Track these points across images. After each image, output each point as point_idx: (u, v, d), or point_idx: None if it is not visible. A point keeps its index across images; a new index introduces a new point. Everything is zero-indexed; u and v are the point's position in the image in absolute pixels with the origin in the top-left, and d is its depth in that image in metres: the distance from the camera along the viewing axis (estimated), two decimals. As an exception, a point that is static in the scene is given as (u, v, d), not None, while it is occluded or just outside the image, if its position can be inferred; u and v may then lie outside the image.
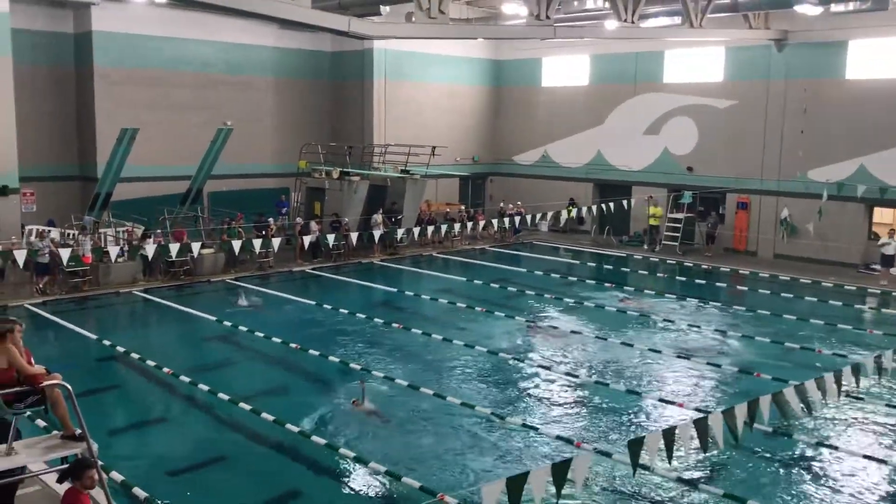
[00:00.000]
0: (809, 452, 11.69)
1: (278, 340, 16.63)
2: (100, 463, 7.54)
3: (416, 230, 25.37)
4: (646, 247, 29.07)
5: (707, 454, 10.73)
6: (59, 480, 7.65)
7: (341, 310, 19.51)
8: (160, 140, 26.51)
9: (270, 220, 25.81)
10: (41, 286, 20.33)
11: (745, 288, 23.40)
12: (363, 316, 19.01)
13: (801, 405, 10.01)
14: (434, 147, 28.16)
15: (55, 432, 8.08)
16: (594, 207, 26.74)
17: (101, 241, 22.24)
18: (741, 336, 17.64)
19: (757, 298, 21.78)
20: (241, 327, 17.77)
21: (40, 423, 10.54)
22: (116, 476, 9.99)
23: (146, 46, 27.21)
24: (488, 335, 17.71)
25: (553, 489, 7.29)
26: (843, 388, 10.98)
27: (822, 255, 25.99)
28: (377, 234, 25.08)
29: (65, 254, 19.79)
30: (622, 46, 30.46)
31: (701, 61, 29.19)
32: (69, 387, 7.50)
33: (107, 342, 16.58)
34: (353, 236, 24.49)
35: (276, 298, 21.11)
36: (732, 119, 28.25)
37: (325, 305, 19.95)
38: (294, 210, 28.48)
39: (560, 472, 7.32)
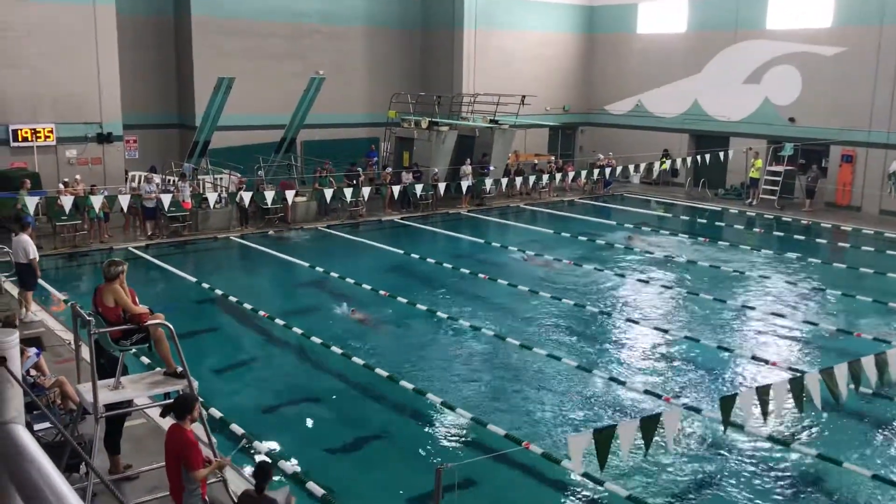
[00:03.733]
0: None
1: (368, 287, 16.94)
2: (200, 399, 7.87)
3: (504, 181, 25.17)
4: (752, 202, 27.86)
5: (802, 414, 10.46)
6: (163, 415, 8.05)
7: (429, 259, 19.68)
8: (255, 89, 26.97)
9: (359, 169, 26.12)
10: (150, 231, 21.13)
11: (847, 245, 22.42)
12: (450, 266, 19.13)
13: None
14: (524, 96, 27.76)
15: (158, 369, 8.47)
16: (689, 159, 25.98)
17: (199, 188, 22.99)
18: (841, 294, 16.95)
19: (859, 256, 20.86)
20: (332, 273, 18.15)
21: (144, 360, 11.05)
22: (215, 412, 10.45)
23: (242, -4, 27.60)
24: (575, 288, 17.58)
25: (641, 443, 7.25)
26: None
27: (934, 212, 24.68)
28: (465, 184, 25.01)
29: (166, 199, 20.54)
30: (723, -10, 29.19)
31: (808, 5, 27.67)
32: (171, 326, 7.83)
33: (205, 285, 17.21)
34: (441, 186, 24.53)
35: (366, 246, 21.44)
36: (840, 67, 26.75)
37: (412, 255, 20.14)
38: (383, 160, 28.70)
39: (649, 426, 7.26)
